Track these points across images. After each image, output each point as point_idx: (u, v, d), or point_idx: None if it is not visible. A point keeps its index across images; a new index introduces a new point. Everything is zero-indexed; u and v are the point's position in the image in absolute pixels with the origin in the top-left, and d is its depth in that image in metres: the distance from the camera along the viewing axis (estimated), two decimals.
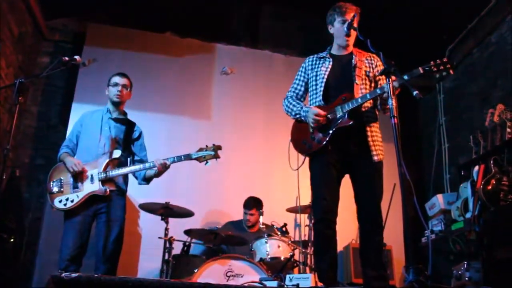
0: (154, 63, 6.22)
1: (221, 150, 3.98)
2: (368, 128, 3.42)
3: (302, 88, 3.72)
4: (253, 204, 5.28)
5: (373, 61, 3.59)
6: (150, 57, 6.25)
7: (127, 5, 6.40)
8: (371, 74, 3.54)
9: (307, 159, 3.58)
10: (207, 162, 3.93)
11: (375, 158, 3.36)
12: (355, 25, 3.46)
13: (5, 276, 4.77)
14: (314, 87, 3.59)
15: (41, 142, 5.93)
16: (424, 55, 3.14)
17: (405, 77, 3.06)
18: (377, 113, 3.53)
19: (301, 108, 3.56)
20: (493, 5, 5.63)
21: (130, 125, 4.19)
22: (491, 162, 4.47)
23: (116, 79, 4.17)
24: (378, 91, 3.26)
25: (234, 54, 6.64)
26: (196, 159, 3.92)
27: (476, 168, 4.64)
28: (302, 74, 3.73)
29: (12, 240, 4.84)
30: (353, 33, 3.51)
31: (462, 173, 5.38)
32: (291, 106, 3.65)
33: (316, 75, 3.58)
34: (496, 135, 4.83)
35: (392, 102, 2.85)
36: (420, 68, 3.12)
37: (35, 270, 4.80)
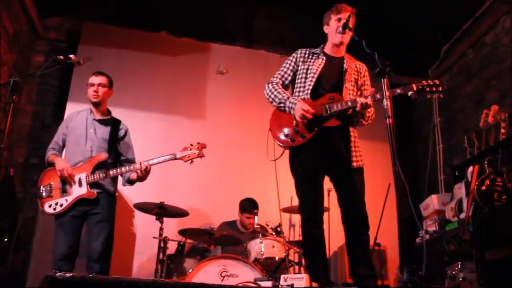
0: (149, 62, 6.21)
1: (206, 148, 4.00)
2: (352, 133, 3.46)
3: (289, 78, 3.66)
4: (254, 207, 5.25)
5: (361, 70, 3.64)
6: (145, 56, 6.24)
7: (122, 4, 6.40)
8: (359, 82, 3.59)
9: (286, 152, 3.55)
10: (192, 161, 3.97)
11: (354, 164, 3.39)
12: (351, 25, 3.48)
13: None
14: (302, 80, 3.56)
15: (35, 141, 5.91)
16: (419, 56, 3.18)
17: (398, 90, 3.21)
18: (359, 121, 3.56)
19: (287, 98, 3.48)
20: (487, 6, 5.64)
21: (115, 125, 4.18)
22: (485, 162, 4.48)
23: (92, 79, 4.16)
24: (369, 98, 3.31)
25: (229, 53, 6.63)
26: (180, 158, 3.95)
27: (471, 168, 4.65)
28: (292, 64, 3.67)
29: (5, 239, 4.81)
30: (348, 33, 3.52)
31: (457, 174, 5.41)
32: (275, 93, 3.57)
33: (307, 69, 3.56)
34: (490, 136, 4.85)
35: (387, 103, 2.87)
36: (414, 84, 3.24)
37: (29, 270, 4.79)
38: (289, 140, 3.44)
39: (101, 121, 4.14)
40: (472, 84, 6.01)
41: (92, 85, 4.13)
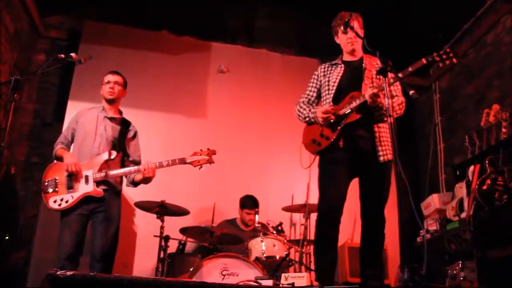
0: (150, 61, 6.21)
1: (215, 155, 4.04)
2: (376, 129, 3.46)
3: (314, 94, 3.80)
4: (254, 204, 5.28)
5: None
6: (146, 55, 6.23)
7: (123, 2, 6.40)
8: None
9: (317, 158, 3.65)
10: (201, 167, 4.00)
11: (381, 158, 3.39)
12: (358, 26, 3.53)
13: (0, 274, 4.76)
14: (326, 92, 3.66)
15: (36, 140, 5.91)
16: (420, 55, 3.16)
17: (409, 69, 3.16)
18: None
19: (309, 110, 3.65)
20: (489, 5, 5.63)
21: (125, 125, 4.18)
22: (486, 162, 4.48)
23: (108, 77, 4.19)
24: (375, 88, 3.30)
25: (230, 52, 6.63)
26: (190, 163, 3.98)
27: (472, 168, 4.65)
28: (315, 81, 3.81)
29: (7, 238, 4.82)
30: (355, 37, 3.57)
31: (458, 173, 5.40)
32: (301, 110, 3.76)
33: (329, 80, 3.67)
34: (491, 135, 4.84)
35: (388, 102, 2.88)
36: (423, 59, 3.16)
37: (30, 268, 4.79)
38: (316, 145, 3.56)
39: (112, 119, 4.14)
40: (473, 83, 6.00)
41: (109, 82, 4.16)
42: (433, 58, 3.16)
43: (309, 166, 3.72)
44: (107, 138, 4.04)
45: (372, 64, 3.59)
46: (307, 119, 3.68)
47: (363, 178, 3.53)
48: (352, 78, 3.59)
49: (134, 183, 4.12)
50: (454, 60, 3.16)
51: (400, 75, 3.13)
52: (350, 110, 3.41)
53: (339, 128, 3.43)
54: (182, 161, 3.96)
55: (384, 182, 3.41)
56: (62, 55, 3.73)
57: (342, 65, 3.69)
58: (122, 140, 4.10)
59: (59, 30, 6.38)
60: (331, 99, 3.58)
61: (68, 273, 2.31)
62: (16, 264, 5.09)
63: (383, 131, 3.47)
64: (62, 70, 5.90)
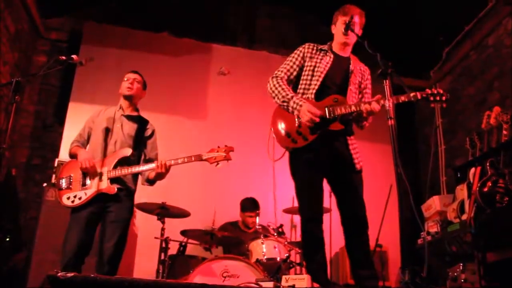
0: (150, 63, 6.20)
1: (233, 151, 3.87)
2: (348, 137, 3.45)
3: (295, 73, 3.55)
4: (255, 206, 5.27)
5: (365, 73, 3.60)
6: (147, 56, 6.24)
7: (124, 4, 6.42)
8: (362, 85, 3.57)
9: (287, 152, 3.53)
10: (217, 164, 3.82)
11: (358, 166, 3.39)
12: (356, 26, 3.46)
13: (0, 275, 4.76)
14: (308, 78, 3.48)
15: (37, 142, 5.92)
16: (421, 57, 3.16)
17: (402, 98, 3.16)
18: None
19: (291, 97, 3.39)
20: (490, 7, 5.64)
21: (142, 123, 4.10)
22: (487, 164, 4.48)
23: (128, 75, 4.12)
24: (374, 103, 3.26)
25: (231, 54, 6.64)
26: (206, 160, 3.81)
27: (473, 170, 4.65)
28: (299, 58, 3.56)
29: (7, 239, 4.82)
30: (351, 34, 3.49)
31: (459, 175, 5.40)
32: (279, 89, 3.48)
33: (315, 66, 3.48)
34: (492, 137, 4.84)
35: (389, 104, 2.87)
36: (418, 93, 3.18)
37: (30, 269, 4.78)
38: (291, 141, 3.40)
39: (129, 117, 4.05)
40: (474, 85, 6.01)
41: (128, 79, 4.08)
42: (427, 95, 3.21)
43: (278, 159, 3.54)
44: (124, 135, 3.95)
45: (357, 69, 3.54)
46: (285, 104, 3.42)
47: (338, 186, 3.47)
48: (339, 76, 3.48)
49: (149, 181, 4.00)
50: (444, 105, 3.23)
51: (392, 100, 3.05)
52: (334, 117, 3.31)
53: (319, 132, 3.32)
54: (198, 158, 3.80)
55: (360, 188, 3.40)
56: (63, 57, 3.72)
57: (332, 55, 3.51)
58: (139, 139, 4.01)
59: (60, 32, 6.40)
60: (314, 92, 3.41)
61: (69, 274, 2.30)
62: (16, 265, 5.08)
63: (354, 139, 3.48)
64: (63, 71, 5.90)
